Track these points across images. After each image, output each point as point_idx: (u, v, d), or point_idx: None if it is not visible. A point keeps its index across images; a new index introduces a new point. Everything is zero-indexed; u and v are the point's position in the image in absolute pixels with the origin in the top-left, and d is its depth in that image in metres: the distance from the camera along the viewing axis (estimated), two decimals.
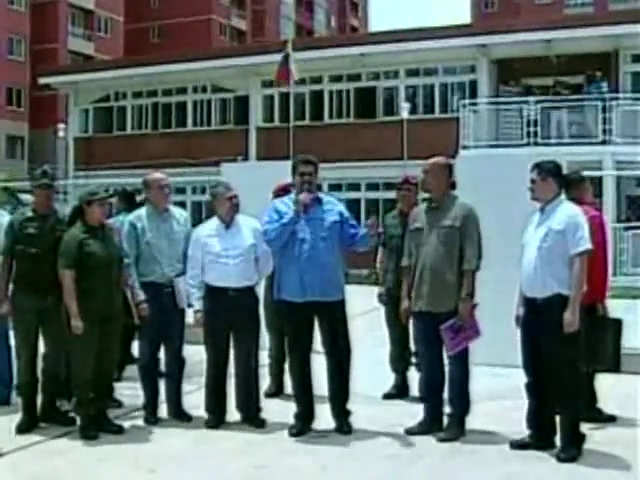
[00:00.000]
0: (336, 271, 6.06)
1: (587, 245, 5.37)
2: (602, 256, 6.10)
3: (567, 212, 5.46)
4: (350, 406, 6.09)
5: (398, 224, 6.98)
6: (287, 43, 21.29)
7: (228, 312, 6.07)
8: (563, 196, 5.72)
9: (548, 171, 5.56)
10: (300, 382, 6.11)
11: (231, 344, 6.21)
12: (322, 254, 5.96)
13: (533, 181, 5.58)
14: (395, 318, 6.73)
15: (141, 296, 6.21)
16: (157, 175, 6.57)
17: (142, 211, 6.48)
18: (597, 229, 6.02)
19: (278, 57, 22.63)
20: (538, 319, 5.44)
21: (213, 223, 6.30)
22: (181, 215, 6.59)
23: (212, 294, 6.14)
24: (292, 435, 5.94)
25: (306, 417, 6.05)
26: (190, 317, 6.31)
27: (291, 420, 6.06)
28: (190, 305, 6.26)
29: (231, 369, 6.27)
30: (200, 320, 6.17)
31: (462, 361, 5.85)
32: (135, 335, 6.78)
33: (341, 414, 6.05)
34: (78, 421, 5.98)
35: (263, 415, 6.23)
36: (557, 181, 5.58)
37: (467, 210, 5.93)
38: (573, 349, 5.37)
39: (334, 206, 6.14)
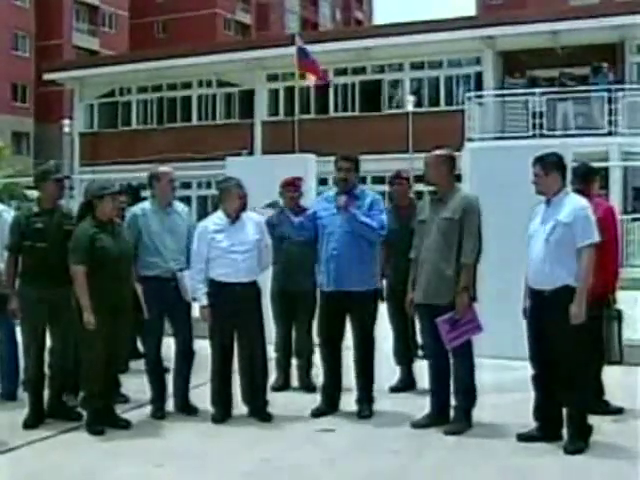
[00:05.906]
0: (362, 264, 6.16)
1: (595, 237, 5.34)
2: (614, 249, 6.09)
3: (574, 205, 5.42)
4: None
5: (393, 219, 6.87)
6: (295, 37, 21.02)
7: (234, 307, 6.07)
8: (568, 188, 5.69)
9: (552, 165, 5.51)
10: (325, 367, 6.32)
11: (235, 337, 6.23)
12: (347, 248, 6.11)
13: (537, 175, 5.54)
14: (397, 313, 6.71)
15: None
16: (166, 168, 6.59)
17: (146, 204, 6.49)
18: (610, 222, 6.00)
19: (283, 51, 22.48)
20: (545, 311, 5.41)
21: (218, 218, 6.27)
22: (182, 209, 6.60)
23: (219, 289, 6.12)
24: (314, 415, 6.14)
25: (330, 402, 6.23)
26: (196, 311, 6.29)
27: (298, 414, 6.12)
28: (195, 299, 6.25)
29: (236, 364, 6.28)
30: (207, 316, 6.16)
31: (466, 354, 5.81)
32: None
33: (362, 399, 6.21)
34: (85, 416, 5.98)
35: (270, 409, 6.23)
36: (561, 173, 5.54)
37: (467, 202, 5.85)
38: (580, 341, 5.34)
39: (366, 200, 6.26)
